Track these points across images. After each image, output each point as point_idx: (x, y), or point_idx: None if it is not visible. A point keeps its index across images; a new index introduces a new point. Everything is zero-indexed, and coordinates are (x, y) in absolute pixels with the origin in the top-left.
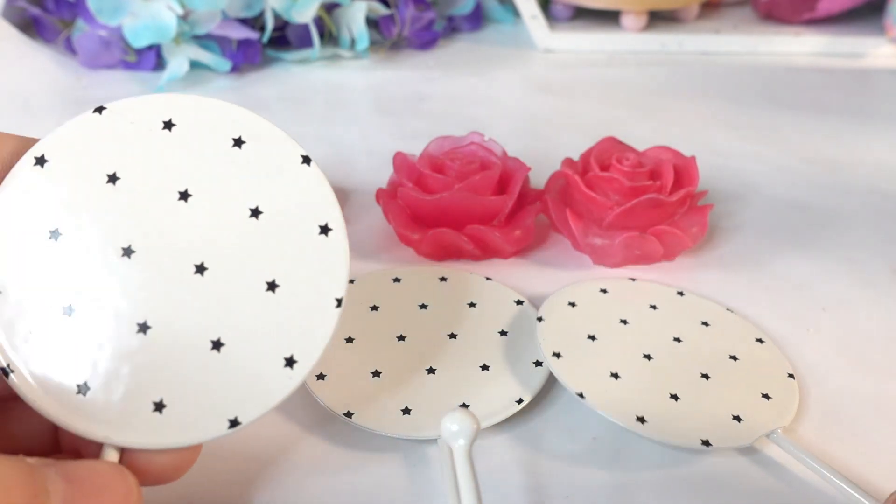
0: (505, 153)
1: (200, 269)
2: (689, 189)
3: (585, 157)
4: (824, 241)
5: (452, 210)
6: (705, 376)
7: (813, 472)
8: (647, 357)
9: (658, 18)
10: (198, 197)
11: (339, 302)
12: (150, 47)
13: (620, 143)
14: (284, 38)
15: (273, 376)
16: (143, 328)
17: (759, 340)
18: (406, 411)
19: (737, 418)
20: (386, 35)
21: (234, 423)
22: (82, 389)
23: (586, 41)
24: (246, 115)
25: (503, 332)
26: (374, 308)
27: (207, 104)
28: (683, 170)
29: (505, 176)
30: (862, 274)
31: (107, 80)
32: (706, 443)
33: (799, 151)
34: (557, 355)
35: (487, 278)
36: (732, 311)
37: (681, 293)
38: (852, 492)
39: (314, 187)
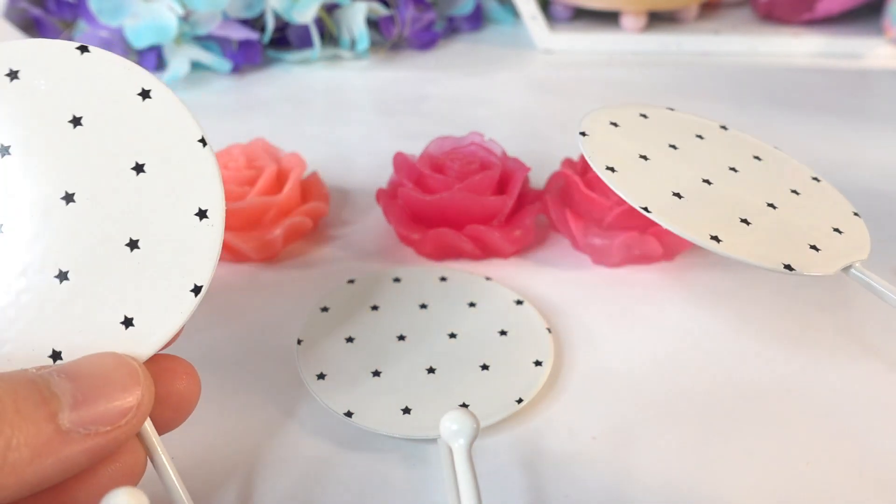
0: (505, 153)
1: (69, 198)
2: None
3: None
4: None
5: (452, 210)
6: (771, 206)
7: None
8: (707, 182)
9: (657, 19)
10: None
11: (198, 290)
12: (151, 48)
13: None
14: (285, 38)
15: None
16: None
17: (816, 179)
18: (406, 411)
19: (814, 247)
20: (386, 35)
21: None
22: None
23: (586, 42)
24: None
25: (503, 332)
26: (375, 308)
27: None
28: None
29: (505, 176)
30: None
31: None
32: (789, 267)
33: (798, 151)
34: (611, 169)
35: (487, 278)
36: (780, 149)
37: (724, 127)
38: None
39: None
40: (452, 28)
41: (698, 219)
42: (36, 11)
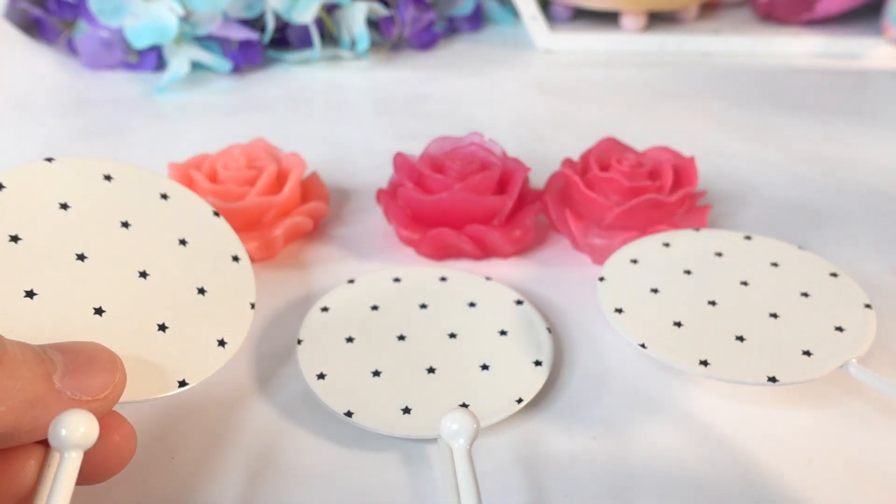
0: (505, 153)
1: (143, 274)
2: (688, 189)
3: (585, 157)
4: (823, 241)
5: (452, 210)
6: (774, 315)
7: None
8: (712, 303)
9: (657, 19)
10: (136, 227)
11: (253, 305)
12: (151, 48)
13: (620, 143)
14: (285, 38)
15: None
16: (99, 311)
17: (834, 275)
18: (406, 411)
19: (807, 353)
20: (386, 36)
21: (182, 383)
22: None
23: (586, 42)
24: (172, 183)
25: (503, 332)
26: (374, 308)
27: (138, 170)
28: (683, 170)
29: (505, 176)
30: (861, 274)
31: (108, 80)
32: (773, 379)
33: (798, 152)
34: (619, 311)
35: (487, 278)
36: (804, 249)
37: (748, 237)
38: None
39: (225, 231)
40: (452, 28)
41: (692, 345)
42: (36, 12)
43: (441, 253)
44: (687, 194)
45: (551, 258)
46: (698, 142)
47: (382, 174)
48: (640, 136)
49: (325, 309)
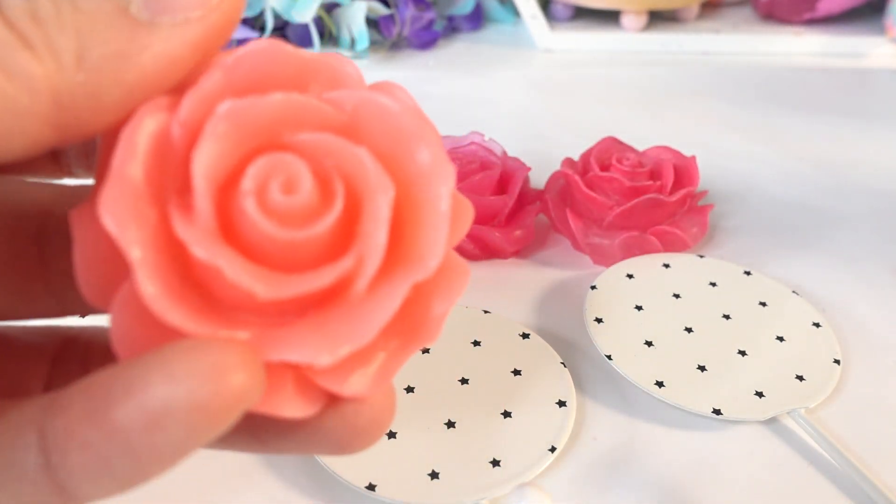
0: (505, 153)
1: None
2: (689, 189)
3: (585, 157)
4: (824, 242)
5: None
6: (742, 353)
7: (827, 454)
8: (688, 330)
9: (658, 18)
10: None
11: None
12: None
13: (620, 143)
14: (284, 37)
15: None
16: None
17: (816, 325)
18: (434, 475)
19: (759, 394)
20: (386, 35)
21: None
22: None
23: (586, 41)
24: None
25: (516, 372)
26: None
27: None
28: (683, 170)
29: (505, 176)
30: (862, 274)
31: None
32: (717, 412)
33: (799, 151)
34: (599, 320)
35: (485, 311)
36: (798, 294)
37: (748, 272)
38: (866, 480)
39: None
40: (452, 27)
41: (653, 365)
42: None
43: None
44: (688, 194)
45: (551, 258)
46: (699, 141)
47: None
48: (641, 136)
49: None
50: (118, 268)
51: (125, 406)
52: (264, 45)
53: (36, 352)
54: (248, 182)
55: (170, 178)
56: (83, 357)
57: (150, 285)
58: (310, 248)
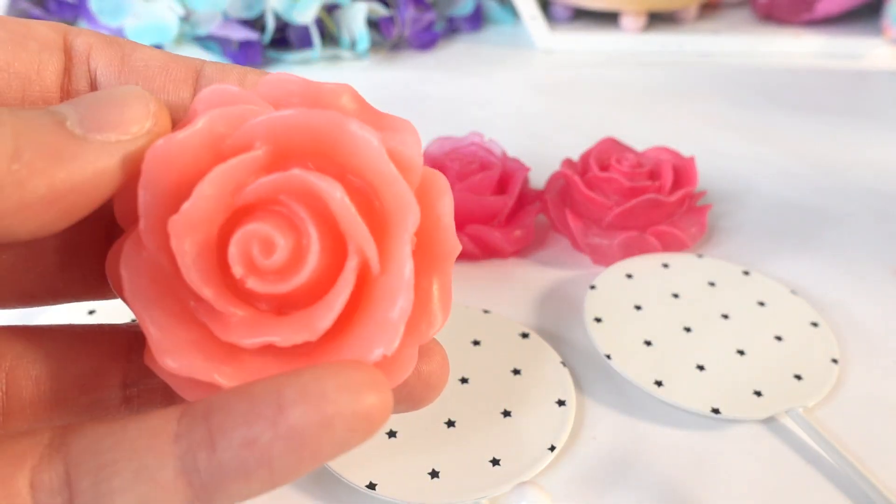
0: (505, 153)
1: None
2: (688, 189)
3: (585, 157)
4: (822, 241)
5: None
6: (740, 352)
7: (825, 453)
8: (687, 329)
9: (657, 19)
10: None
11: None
12: None
13: (620, 143)
14: (285, 38)
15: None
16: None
17: (814, 324)
18: (434, 474)
19: (757, 393)
20: (386, 36)
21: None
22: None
23: (586, 42)
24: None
25: (516, 371)
26: None
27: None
28: (682, 170)
29: (505, 176)
30: (860, 274)
31: None
32: (716, 410)
33: (798, 152)
34: (598, 320)
35: (485, 311)
36: (796, 294)
37: (746, 272)
38: (864, 480)
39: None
40: (452, 28)
41: (652, 365)
42: (36, 12)
43: None
44: (687, 194)
45: (551, 258)
46: (698, 142)
47: None
48: (640, 136)
49: None
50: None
51: (301, 407)
52: (160, 143)
53: (110, 348)
54: (238, 269)
55: (183, 293)
56: None
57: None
58: (317, 275)
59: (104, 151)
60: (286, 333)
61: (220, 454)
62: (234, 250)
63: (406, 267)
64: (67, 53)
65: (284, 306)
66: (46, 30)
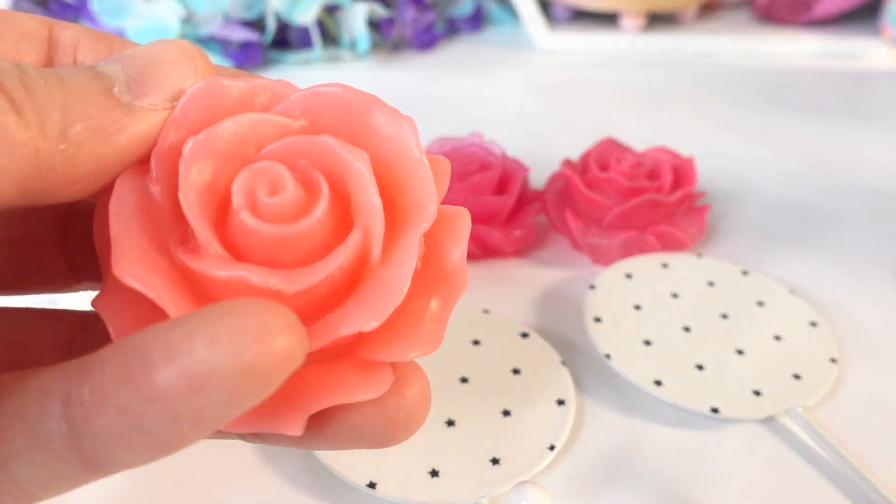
0: (505, 154)
1: None
2: (687, 189)
3: (585, 157)
4: (821, 241)
5: None
6: (739, 352)
7: (825, 453)
8: (686, 329)
9: (657, 20)
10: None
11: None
12: None
13: (619, 143)
14: (286, 39)
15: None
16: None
17: (813, 324)
18: (434, 473)
19: (756, 393)
20: (386, 36)
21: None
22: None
23: (585, 42)
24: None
25: (516, 371)
26: None
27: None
28: (682, 170)
29: (505, 176)
30: (859, 274)
31: None
32: (715, 410)
33: (797, 152)
34: (598, 320)
35: (485, 311)
36: (795, 294)
37: (745, 272)
38: (863, 479)
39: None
40: (452, 29)
41: (652, 364)
42: (38, 13)
43: None
44: (686, 194)
45: (551, 258)
46: (697, 142)
47: None
48: (640, 137)
49: None
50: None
51: (167, 369)
52: (200, 85)
53: (53, 335)
54: (238, 199)
55: (168, 233)
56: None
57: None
58: (315, 236)
59: (149, 118)
60: (262, 275)
61: (97, 421)
62: (239, 182)
63: (409, 260)
64: (52, 45)
65: (271, 262)
66: (31, 22)
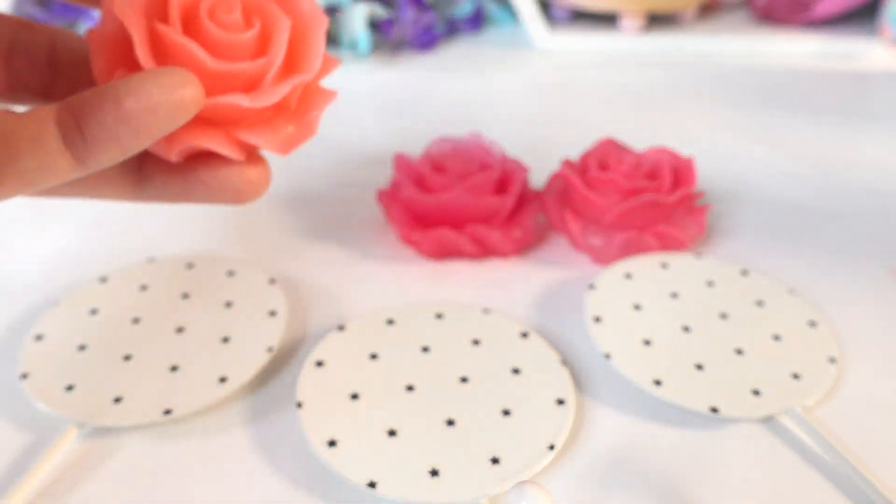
0: (505, 154)
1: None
2: (686, 189)
3: (584, 157)
4: (820, 241)
5: (452, 210)
6: (739, 352)
7: (824, 453)
8: (686, 329)
9: (656, 20)
10: None
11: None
12: None
13: (619, 144)
14: None
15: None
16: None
17: (812, 324)
18: (434, 473)
19: (755, 392)
20: (386, 37)
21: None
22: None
23: (585, 43)
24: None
25: (516, 371)
26: (374, 357)
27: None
28: (681, 170)
29: (505, 176)
30: (858, 274)
31: None
32: (714, 409)
33: (796, 152)
34: (598, 319)
35: (485, 310)
36: (794, 293)
37: (745, 272)
38: (863, 479)
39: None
40: (452, 29)
41: (651, 364)
42: (39, 14)
43: (441, 252)
44: (685, 194)
45: (551, 258)
46: (697, 142)
47: (383, 175)
48: (639, 137)
49: (319, 364)
50: (120, 55)
51: (134, 98)
52: None
53: None
54: (203, 9)
55: (155, 14)
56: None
57: (142, 50)
58: (240, 48)
59: None
60: (198, 50)
61: (86, 132)
62: (206, 2)
63: (285, 89)
64: None
65: (210, 50)
66: None
